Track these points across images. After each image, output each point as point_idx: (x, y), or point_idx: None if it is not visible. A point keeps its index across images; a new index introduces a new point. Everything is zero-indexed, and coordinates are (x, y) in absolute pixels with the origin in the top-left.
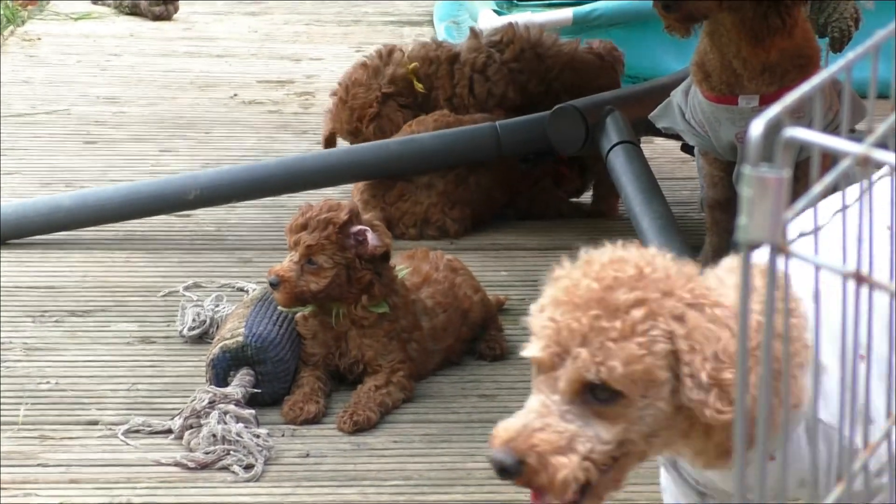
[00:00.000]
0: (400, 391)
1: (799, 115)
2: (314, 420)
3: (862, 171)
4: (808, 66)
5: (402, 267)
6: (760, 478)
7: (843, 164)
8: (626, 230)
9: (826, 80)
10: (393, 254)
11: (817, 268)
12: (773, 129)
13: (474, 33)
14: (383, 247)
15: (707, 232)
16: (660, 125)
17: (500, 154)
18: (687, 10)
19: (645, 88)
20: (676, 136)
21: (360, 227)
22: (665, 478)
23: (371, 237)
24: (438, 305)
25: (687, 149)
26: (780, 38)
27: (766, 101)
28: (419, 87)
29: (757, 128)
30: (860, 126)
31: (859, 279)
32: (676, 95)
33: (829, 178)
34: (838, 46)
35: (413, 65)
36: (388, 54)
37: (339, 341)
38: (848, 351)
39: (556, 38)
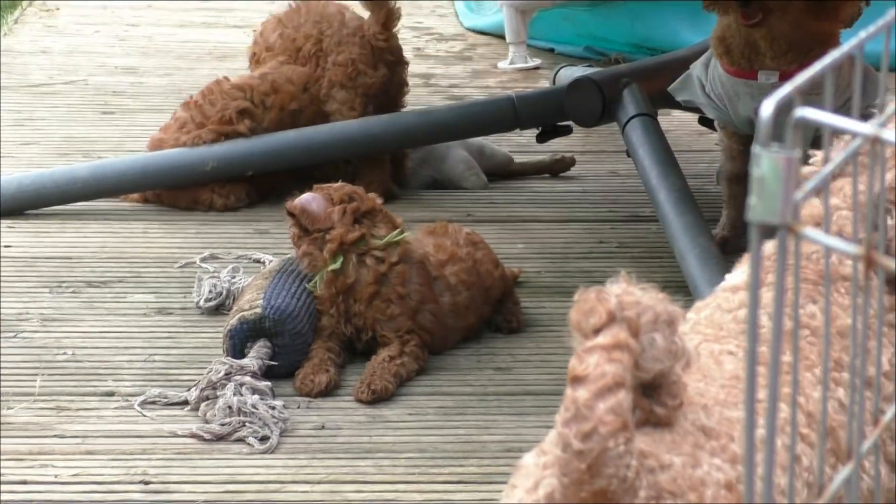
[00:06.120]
0: (414, 361)
1: (818, 91)
2: (327, 390)
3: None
4: (829, 43)
5: (395, 233)
6: (766, 477)
7: (854, 145)
8: (644, 203)
9: (840, 58)
10: (410, 227)
11: (828, 249)
12: (786, 108)
13: None
14: (293, 205)
15: (724, 205)
16: (679, 98)
17: (518, 125)
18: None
19: (662, 61)
20: (695, 109)
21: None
22: None
23: (304, 196)
24: (462, 283)
25: (704, 122)
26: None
27: (785, 77)
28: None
29: (767, 107)
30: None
31: (869, 262)
32: (696, 68)
33: (840, 159)
34: (849, 23)
35: None
36: None
37: (340, 306)
38: (858, 334)
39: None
